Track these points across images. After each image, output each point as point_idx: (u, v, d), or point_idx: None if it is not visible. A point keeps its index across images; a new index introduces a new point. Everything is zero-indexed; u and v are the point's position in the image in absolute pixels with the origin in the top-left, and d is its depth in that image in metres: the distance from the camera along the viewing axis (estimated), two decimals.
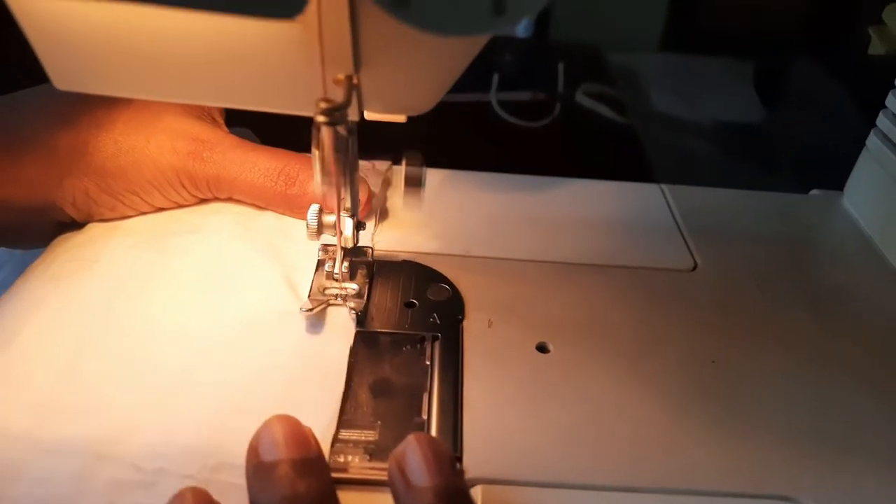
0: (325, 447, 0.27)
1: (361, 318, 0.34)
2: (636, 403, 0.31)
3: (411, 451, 0.25)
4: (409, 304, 0.35)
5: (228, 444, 0.27)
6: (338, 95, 0.24)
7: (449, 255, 0.39)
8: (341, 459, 0.27)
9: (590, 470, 0.28)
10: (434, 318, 0.34)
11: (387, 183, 0.45)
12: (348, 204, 0.33)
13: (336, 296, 0.34)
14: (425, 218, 0.42)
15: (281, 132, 0.39)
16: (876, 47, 0.43)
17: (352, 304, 0.34)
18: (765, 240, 0.43)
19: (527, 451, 0.29)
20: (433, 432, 0.29)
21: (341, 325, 0.34)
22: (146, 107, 0.38)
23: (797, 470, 0.29)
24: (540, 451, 0.29)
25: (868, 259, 0.43)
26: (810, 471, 0.29)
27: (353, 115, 0.26)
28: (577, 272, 0.39)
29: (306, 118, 0.25)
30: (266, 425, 0.26)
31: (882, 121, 0.46)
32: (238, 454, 0.26)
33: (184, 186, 0.38)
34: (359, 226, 0.34)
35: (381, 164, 0.45)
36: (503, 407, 0.30)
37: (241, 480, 0.25)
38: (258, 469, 0.24)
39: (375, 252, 0.38)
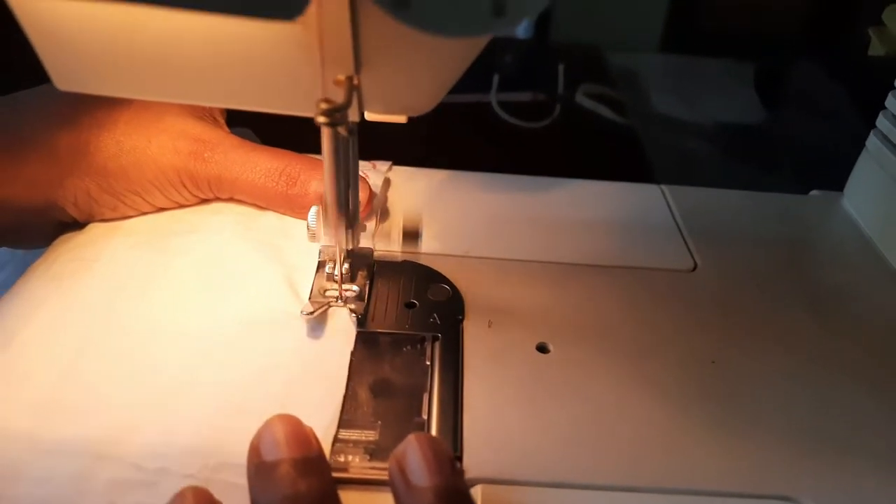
0: (326, 447, 0.27)
1: (362, 319, 0.34)
2: (636, 403, 0.31)
3: (411, 450, 0.25)
4: (410, 305, 0.35)
5: (229, 443, 0.27)
6: (338, 96, 0.24)
7: (449, 255, 0.39)
8: (342, 459, 0.27)
9: (590, 470, 0.28)
10: (434, 318, 0.34)
11: (387, 183, 0.45)
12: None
13: (337, 298, 0.34)
14: (425, 218, 0.42)
15: (282, 132, 0.39)
16: (876, 48, 0.43)
17: (352, 306, 0.34)
18: (765, 240, 0.43)
19: (527, 450, 0.29)
20: (433, 432, 0.29)
21: (342, 326, 0.34)
22: (147, 107, 0.38)
23: (797, 470, 0.29)
24: (540, 450, 0.29)
25: (868, 259, 0.43)
26: (810, 471, 0.29)
27: (353, 116, 0.26)
28: (578, 272, 0.39)
29: (307, 119, 0.25)
30: (267, 425, 0.26)
31: (882, 121, 0.46)
32: (239, 454, 0.26)
33: (185, 186, 0.38)
34: (359, 226, 0.34)
35: (382, 165, 0.45)
36: (503, 407, 0.30)
37: (242, 480, 0.25)
38: (259, 468, 0.24)
39: (376, 253, 0.38)
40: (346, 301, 0.34)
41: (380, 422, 0.29)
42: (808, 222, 0.46)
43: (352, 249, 0.34)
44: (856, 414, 0.32)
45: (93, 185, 0.37)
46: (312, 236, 0.33)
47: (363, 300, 0.34)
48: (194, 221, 0.39)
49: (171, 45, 0.24)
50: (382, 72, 0.25)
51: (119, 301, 0.34)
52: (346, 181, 0.31)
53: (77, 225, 0.39)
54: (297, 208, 0.39)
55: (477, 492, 0.27)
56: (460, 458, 0.28)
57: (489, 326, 0.34)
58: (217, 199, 0.41)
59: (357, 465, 0.27)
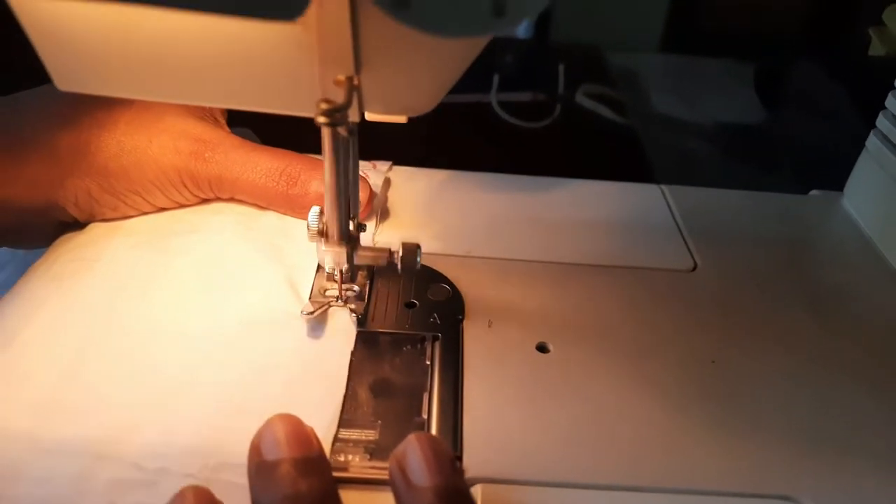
0: (326, 446, 0.27)
1: (362, 319, 0.34)
2: (636, 403, 0.31)
3: (412, 450, 0.25)
4: (410, 305, 0.35)
5: (229, 443, 0.27)
6: (338, 96, 0.24)
7: (449, 255, 0.39)
8: (342, 459, 0.27)
9: (590, 469, 0.28)
10: (434, 318, 0.34)
11: (387, 183, 0.45)
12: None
13: (337, 298, 0.34)
14: (425, 218, 0.42)
15: (282, 133, 0.39)
16: (876, 48, 0.43)
17: (352, 306, 0.34)
18: (765, 240, 0.43)
19: (526, 450, 0.29)
20: (433, 432, 0.29)
21: (342, 325, 0.34)
22: (148, 107, 0.38)
23: (797, 469, 0.29)
24: (540, 450, 0.29)
25: (868, 259, 0.43)
26: (810, 470, 0.29)
27: (353, 116, 0.26)
28: (578, 272, 0.39)
29: (307, 119, 0.25)
30: (268, 424, 0.26)
31: (882, 121, 0.46)
32: (239, 453, 0.26)
33: (186, 186, 0.39)
34: (359, 227, 0.34)
35: (382, 165, 0.45)
36: (503, 406, 0.30)
37: (243, 479, 0.25)
38: (260, 468, 0.24)
39: None
40: (346, 301, 0.34)
41: (380, 421, 0.29)
42: (807, 222, 0.46)
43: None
44: (856, 414, 0.32)
45: (94, 185, 0.37)
46: (313, 236, 0.33)
47: (363, 300, 0.34)
48: (195, 221, 0.39)
49: (172, 45, 0.24)
50: (382, 72, 0.25)
51: (119, 301, 0.34)
52: (347, 181, 0.31)
53: (78, 225, 0.39)
54: (297, 208, 0.39)
55: (477, 491, 0.27)
56: (460, 458, 0.28)
57: (489, 326, 0.34)
58: (218, 199, 0.41)
59: (357, 464, 0.27)
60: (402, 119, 0.29)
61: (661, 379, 0.32)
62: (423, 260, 0.38)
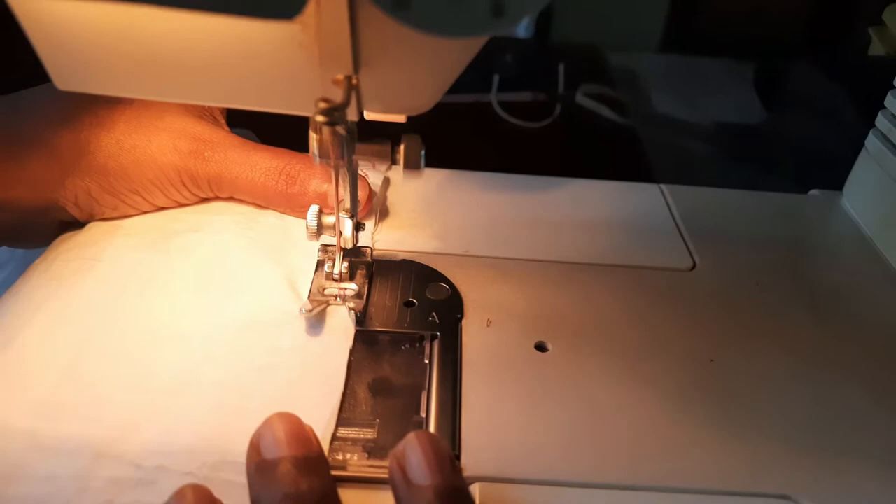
0: (325, 446, 0.27)
1: (361, 318, 0.34)
2: (634, 402, 0.31)
3: (411, 449, 0.25)
4: (409, 304, 0.35)
5: (229, 442, 0.27)
6: (337, 95, 0.24)
7: (448, 254, 0.39)
8: (340, 457, 0.27)
9: (588, 468, 0.28)
10: (433, 317, 0.34)
11: (387, 182, 0.45)
12: (348, 205, 0.33)
13: (335, 296, 0.34)
14: (425, 218, 0.42)
15: (281, 133, 0.39)
16: (876, 48, 0.43)
17: (351, 305, 0.34)
18: (764, 239, 0.43)
19: (525, 449, 0.29)
20: (431, 431, 0.29)
21: (341, 325, 0.34)
22: (148, 106, 0.38)
23: (795, 469, 0.29)
24: (538, 449, 0.29)
25: (867, 259, 0.43)
26: (808, 470, 0.29)
27: (352, 116, 0.26)
28: (576, 271, 0.39)
29: (307, 118, 0.25)
30: (267, 423, 0.26)
31: (881, 121, 0.46)
32: (239, 452, 0.26)
33: (185, 185, 0.39)
34: (358, 226, 0.34)
35: (381, 164, 0.45)
36: (501, 406, 0.30)
37: (242, 478, 0.25)
38: (260, 467, 0.24)
39: (375, 252, 0.38)
40: (345, 299, 0.34)
41: (378, 420, 0.29)
42: (807, 222, 0.46)
43: (351, 248, 0.34)
44: (854, 413, 0.32)
45: (93, 185, 0.37)
46: (312, 235, 0.33)
47: (362, 298, 0.34)
48: (194, 220, 0.39)
49: (171, 44, 0.24)
50: (381, 71, 0.25)
51: (119, 300, 0.34)
52: (346, 180, 0.31)
53: (78, 224, 0.39)
54: (296, 207, 0.39)
55: (475, 490, 0.27)
56: (458, 457, 0.28)
57: (488, 325, 0.34)
58: (217, 198, 0.41)
59: (355, 463, 0.27)
60: (401, 118, 0.29)
61: (660, 378, 0.33)
62: (421, 259, 0.38)
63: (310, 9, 0.22)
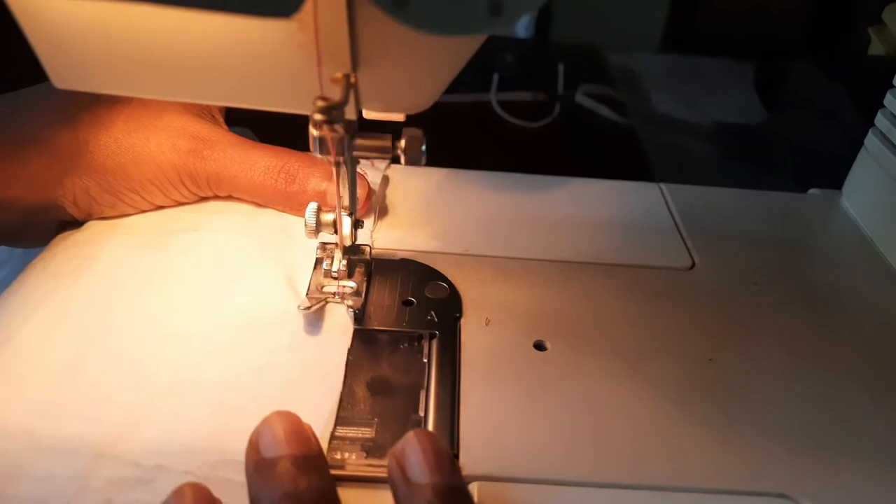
0: (323, 444, 0.27)
1: (359, 316, 0.34)
2: (633, 401, 0.31)
3: (411, 448, 0.25)
4: (407, 303, 0.35)
5: (228, 442, 0.27)
6: (336, 94, 0.24)
7: (447, 253, 0.39)
8: (338, 456, 0.27)
9: (586, 467, 0.28)
10: (432, 315, 0.34)
11: (386, 181, 0.45)
12: (346, 202, 0.33)
13: (334, 294, 0.34)
14: (424, 216, 0.42)
15: (280, 132, 0.39)
16: (876, 47, 0.43)
17: (350, 303, 0.34)
18: (763, 238, 0.43)
19: (523, 448, 0.29)
20: (430, 430, 0.29)
21: (339, 323, 0.34)
22: (146, 105, 0.38)
23: (794, 467, 0.29)
24: (536, 448, 0.29)
25: (866, 258, 0.43)
26: (807, 468, 0.29)
27: (350, 114, 0.26)
28: (575, 270, 0.39)
29: (305, 117, 0.25)
30: (266, 422, 0.26)
31: (881, 120, 0.46)
32: (238, 451, 0.26)
33: (184, 184, 0.39)
34: (357, 224, 0.34)
35: (380, 163, 0.45)
36: (500, 404, 0.30)
37: (241, 477, 0.25)
38: (259, 466, 0.24)
39: (374, 250, 0.38)
40: (343, 297, 0.34)
41: (376, 419, 0.29)
42: (806, 221, 0.46)
43: (349, 246, 0.34)
44: (853, 412, 0.32)
45: (92, 184, 0.37)
46: (311, 233, 0.33)
47: (360, 296, 0.34)
48: (193, 219, 0.39)
49: (169, 43, 0.24)
50: (379, 70, 0.25)
51: (118, 299, 0.34)
52: (345, 179, 0.31)
53: (76, 223, 0.39)
54: (295, 205, 0.39)
55: (473, 489, 0.27)
56: (457, 456, 0.28)
57: (486, 324, 0.34)
58: (216, 196, 0.41)
59: (353, 462, 0.27)
60: (399, 117, 0.29)
61: (658, 377, 0.33)
62: (420, 258, 0.38)
63: (308, 7, 0.22)
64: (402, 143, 0.28)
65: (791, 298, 0.38)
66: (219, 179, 0.38)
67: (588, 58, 0.67)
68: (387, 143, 0.28)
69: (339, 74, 0.24)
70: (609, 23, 0.66)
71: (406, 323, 0.34)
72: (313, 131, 0.24)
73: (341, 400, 0.30)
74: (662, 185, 0.48)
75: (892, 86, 0.45)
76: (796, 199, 0.48)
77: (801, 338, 0.36)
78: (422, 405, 0.30)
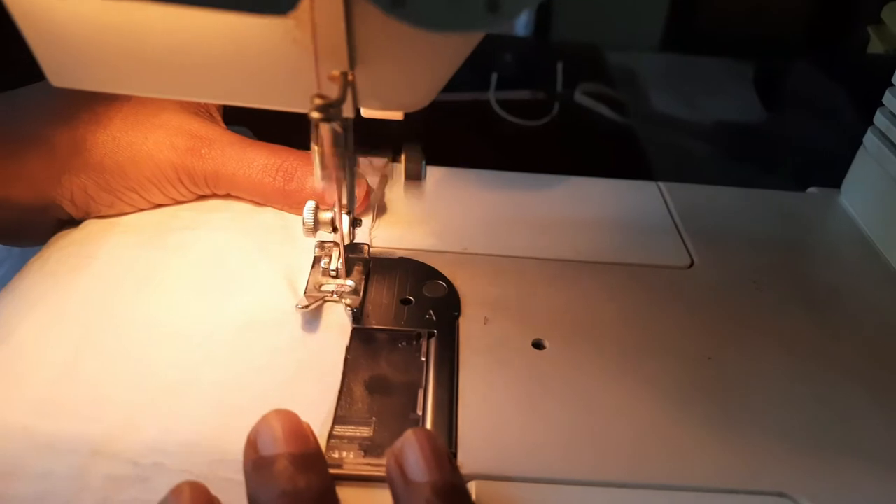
0: (321, 443, 0.27)
1: (357, 315, 0.34)
2: (631, 399, 0.31)
3: (409, 446, 0.25)
4: (406, 301, 0.35)
5: (226, 440, 0.27)
6: (333, 92, 0.24)
7: (446, 252, 0.39)
8: (336, 456, 0.27)
9: (585, 466, 0.28)
10: (430, 314, 0.34)
11: (384, 180, 0.45)
12: (345, 201, 0.33)
13: (332, 293, 0.34)
14: (423, 215, 0.42)
15: (278, 131, 0.39)
16: (875, 46, 0.43)
17: (348, 301, 0.34)
18: (762, 237, 0.43)
19: (521, 447, 0.29)
20: (428, 428, 0.29)
21: (338, 322, 0.34)
22: (144, 103, 0.38)
23: (793, 466, 0.29)
24: (534, 447, 0.29)
25: (865, 257, 0.43)
26: (806, 467, 0.29)
27: (348, 112, 0.26)
28: (574, 269, 0.39)
29: (303, 115, 0.25)
30: (264, 420, 0.26)
31: (879, 119, 0.46)
32: (236, 450, 0.26)
33: (182, 183, 0.38)
34: (355, 222, 0.34)
35: (379, 161, 0.45)
36: (498, 403, 0.30)
37: (240, 476, 0.25)
38: (257, 464, 0.24)
39: (372, 249, 0.38)
40: (341, 296, 0.34)
41: (374, 418, 0.29)
42: (805, 219, 0.46)
43: (348, 245, 0.34)
44: (852, 412, 0.32)
45: (90, 182, 0.37)
46: (308, 231, 0.33)
47: (358, 295, 0.34)
48: (191, 218, 0.39)
49: (165, 40, 0.24)
50: (377, 67, 0.25)
51: (116, 298, 0.34)
52: (343, 177, 0.31)
53: (74, 222, 0.39)
54: (294, 204, 0.39)
55: (472, 488, 0.27)
56: (455, 455, 0.28)
57: (485, 323, 0.34)
58: (214, 195, 0.41)
59: (351, 461, 0.27)
60: (397, 115, 0.29)
61: (657, 376, 0.32)
62: (418, 256, 0.38)
63: (304, 5, 0.22)
64: (402, 158, 0.29)
65: (790, 297, 0.38)
66: (217, 178, 0.38)
67: (587, 57, 0.67)
68: (385, 161, 0.30)
69: (336, 72, 0.24)
70: (609, 22, 0.66)
71: (404, 322, 0.34)
72: (315, 149, 0.24)
73: (339, 399, 0.30)
74: (661, 184, 0.48)
75: (892, 84, 0.45)
76: (795, 198, 0.48)
77: (799, 337, 0.36)
78: (420, 404, 0.30)
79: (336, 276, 0.35)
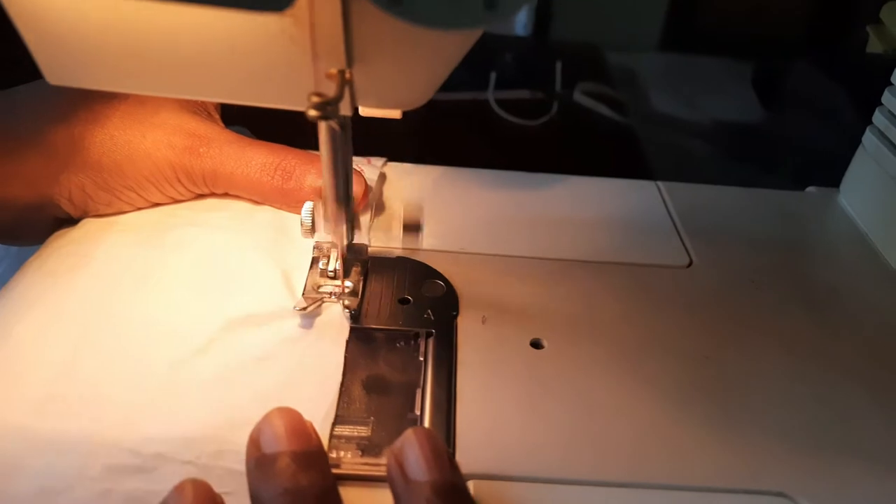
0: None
1: (356, 315, 0.34)
2: (630, 399, 0.31)
3: (409, 446, 0.25)
4: (404, 301, 0.35)
5: (227, 433, 0.27)
6: (331, 90, 0.24)
7: (444, 251, 0.39)
8: (334, 455, 0.27)
9: (583, 466, 0.28)
10: (428, 314, 0.34)
11: (382, 179, 0.45)
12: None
13: (330, 294, 0.34)
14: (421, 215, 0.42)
15: (277, 130, 0.39)
16: (874, 45, 0.43)
17: (346, 302, 0.34)
18: (761, 237, 0.43)
19: (520, 446, 0.29)
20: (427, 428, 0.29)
21: (336, 322, 0.34)
22: (142, 102, 0.38)
23: (792, 466, 0.29)
24: (533, 446, 0.29)
25: (863, 256, 0.43)
26: (805, 467, 0.29)
27: (346, 110, 0.26)
28: (572, 268, 0.39)
29: (301, 113, 0.25)
30: (267, 418, 0.26)
31: (878, 118, 0.46)
32: (238, 442, 0.26)
33: (180, 181, 0.38)
34: (353, 222, 0.34)
35: (377, 160, 0.45)
36: (497, 403, 0.30)
37: (242, 467, 0.25)
38: (259, 462, 0.24)
39: (370, 248, 0.38)
40: (339, 296, 0.34)
41: (373, 418, 0.29)
42: (804, 219, 0.46)
43: (346, 245, 0.34)
44: (851, 411, 0.32)
45: (87, 181, 0.37)
46: (307, 232, 0.33)
47: (357, 295, 0.34)
48: (189, 217, 0.39)
49: (162, 38, 0.24)
50: (375, 65, 0.25)
51: (114, 296, 0.34)
52: (343, 175, 0.31)
53: (72, 221, 0.39)
54: (292, 203, 0.39)
55: (470, 487, 0.27)
56: (453, 454, 0.28)
57: (483, 322, 0.34)
58: (212, 194, 0.40)
59: (350, 461, 0.27)
60: (395, 114, 0.29)
61: (656, 375, 0.32)
62: (417, 256, 0.38)
63: (302, 2, 0.22)
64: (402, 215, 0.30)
65: (789, 297, 0.38)
66: (215, 176, 0.38)
67: (587, 56, 0.67)
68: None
69: (334, 70, 0.24)
70: (608, 21, 0.66)
71: (402, 321, 0.34)
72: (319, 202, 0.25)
73: (338, 399, 0.30)
74: (660, 184, 0.47)
75: (891, 84, 0.45)
76: (794, 198, 0.48)
77: (799, 336, 0.36)
78: (418, 404, 0.30)
79: (334, 278, 0.34)
